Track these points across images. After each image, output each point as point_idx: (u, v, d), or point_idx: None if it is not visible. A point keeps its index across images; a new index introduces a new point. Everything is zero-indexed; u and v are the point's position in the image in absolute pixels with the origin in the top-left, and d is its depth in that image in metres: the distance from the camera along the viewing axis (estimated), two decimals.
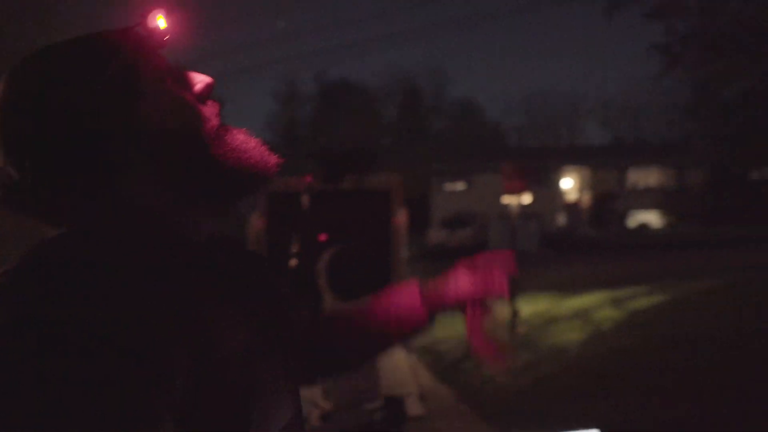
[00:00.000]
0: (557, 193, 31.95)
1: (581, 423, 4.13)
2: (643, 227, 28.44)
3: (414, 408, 4.83)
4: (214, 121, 0.70)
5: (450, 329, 8.35)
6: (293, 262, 4.14)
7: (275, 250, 6.48)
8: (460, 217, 24.29)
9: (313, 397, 3.61)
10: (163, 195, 0.67)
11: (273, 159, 0.74)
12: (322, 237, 3.61)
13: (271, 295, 0.80)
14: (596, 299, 8.21)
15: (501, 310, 7.85)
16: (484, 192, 28.82)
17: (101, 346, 0.51)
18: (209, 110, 0.71)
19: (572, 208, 32.05)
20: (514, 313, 7.27)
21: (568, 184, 32.65)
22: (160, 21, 0.71)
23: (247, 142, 0.72)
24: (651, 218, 30.24)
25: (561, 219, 31.52)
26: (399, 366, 5.96)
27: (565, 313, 7.62)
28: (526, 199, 7.21)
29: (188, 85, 0.71)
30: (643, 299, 7.44)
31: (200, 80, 0.72)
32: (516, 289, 7.45)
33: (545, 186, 31.34)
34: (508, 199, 7.27)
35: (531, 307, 8.53)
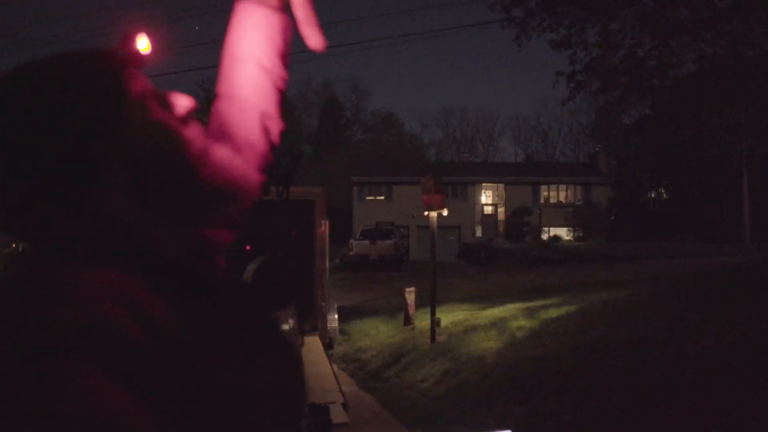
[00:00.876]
0: (475, 206, 33.03)
1: (497, 426, 4.33)
2: (554, 241, 29.91)
3: (338, 415, 4.86)
4: (197, 143, 0.70)
5: (371, 339, 8.45)
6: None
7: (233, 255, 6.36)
8: (380, 228, 24.47)
9: None
10: (143, 215, 0.65)
11: (256, 176, 0.74)
12: (247, 247, 3.59)
13: (241, 319, 0.76)
14: (511, 309, 8.58)
15: (419, 320, 8.03)
16: (405, 203, 29.31)
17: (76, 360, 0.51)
18: (192, 132, 0.70)
19: (489, 221, 33.23)
20: (434, 322, 7.46)
21: (484, 198, 33.84)
22: (143, 42, 0.72)
23: (230, 160, 0.72)
24: (561, 232, 31.88)
25: (478, 231, 32.58)
26: (322, 374, 5.97)
27: (482, 323, 7.90)
28: (444, 212, 7.40)
29: (170, 106, 0.71)
30: (554, 310, 7.84)
31: (182, 102, 0.72)
32: (436, 298, 7.65)
33: (463, 199, 32.31)
34: (428, 213, 7.45)
35: (449, 316, 8.78)
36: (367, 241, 22.60)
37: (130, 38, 0.71)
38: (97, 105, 0.63)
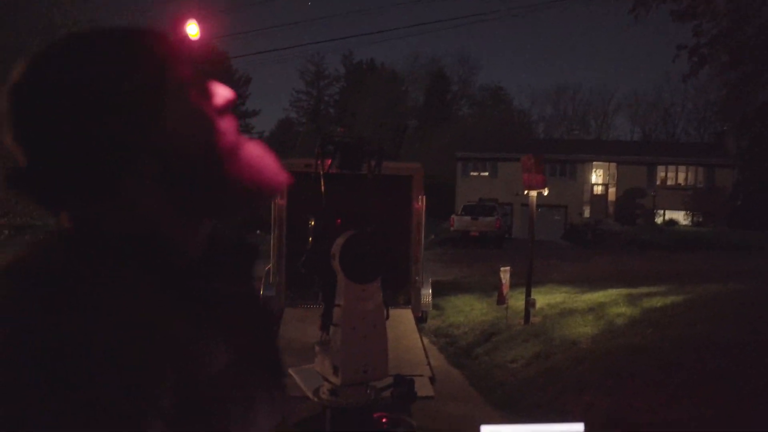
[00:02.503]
0: (583, 185, 31.59)
1: (585, 416, 4.21)
2: (670, 225, 27.98)
3: (424, 389, 4.94)
4: (231, 137, 0.68)
5: (464, 316, 8.45)
6: (309, 243, 4.26)
7: (295, 230, 6.62)
8: (483, 204, 24.09)
9: (324, 372, 3.73)
10: (166, 205, 0.65)
11: (283, 176, 0.72)
12: (338, 222, 3.69)
13: (252, 311, 0.78)
14: (613, 295, 8.21)
15: (515, 300, 7.90)
16: (510, 181, 28.62)
17: (87, 361, 0.50)
18: (227, 125, 0.69)
19: (598, 201, 31.68)
20: (529, 303, 7.32)
21: (594, 177, 32.24)
22: (192, 28, 0.71)
23: (260, 158, 0.70)
24: (678, 216, 29.76)
25: (586, 212, 31.19)
26: (412, 347, 6.07)
27: (580, 307, 7.64)
28: (545, 192, 7.15)
29: (210, 96, 0.69)
30: (658, 298, 7.41)
31: (222, 93, 0.70)
32: (532, 279, 7.49)
33: (571, 178, 30.99)
34: (527, 192, 7.24)
35: (547, 297, 8.57)
36: (468, 217, 22.39)
37: (180, 23, 0.69)
38: (138, 84, 0.61)
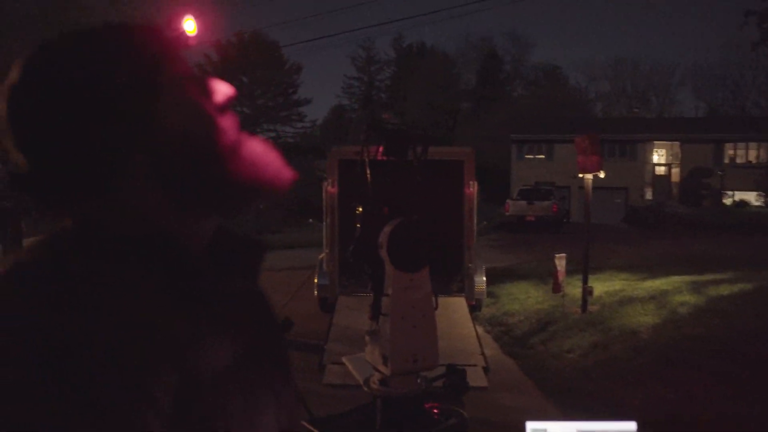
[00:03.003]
0: (645, 166, 30.40)
1: (644, 409, 4.05)
2: (740, 207, 26.56)
3: (477, 379, 4.88)
4: (231, 134, 0.67)
5: (519, 304, 8.30)
6: (357, 231, 4.25)
7: (348, 218, 6.64)
8: (539, 188, 23.55)
9: (374, 362, 3.73)
10: (164, 202, 0.65)
11: (288, 174, 0.70)
12: (386, 210, 3.65)
13: (258, 310, 0.77)
14: (676, 282, 7.87)
15: (571, 288, 7.68)
16: (567, 163, 27.88)
17: (89, 359, 0.51)
18: (228, 122, 0.68)
19: (661, 182, 30.45)
20: (586, 291, 7.11)
21: (656, 157, 30.95)
22: (189, 24, 0.69)
23: (263, 156, 0.69)
24: (749, 197, 28.20)
25: (648, 194, 30.04)
26: (465, 336, 6.00)
27: (640, 295, 7.36)
28: (601, 174, 6.88)
29: (210, 93, 0.68)
30: (726, 286, 7.05)
31: (222, 90, 0.69)
32: (588, 265, 7.26)
33: (632, 158, 29.89)
34: (582, 175, 7.00)
35: (605, 285, 8.30)
36: (524, 202, 21.96)
37: (176, 18, 0.68)
38: (130, 80, 0.61)
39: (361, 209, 4.54)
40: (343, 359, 5.07)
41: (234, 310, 0.69)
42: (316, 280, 7.64)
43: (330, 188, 7.23)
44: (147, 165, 0.63)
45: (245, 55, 28.63)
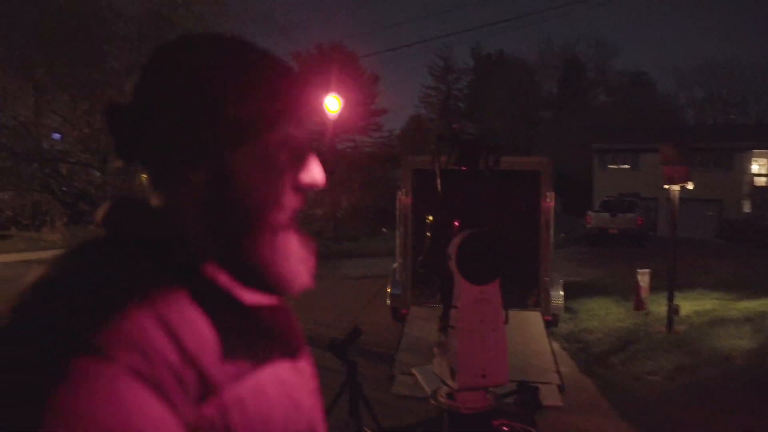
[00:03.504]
0: (742, 177, 28.39)
1: None
2: None
3: (551, 397, 4.69)
4: (283, 217, 0.68)
5: (599, 320, 7.93)
6: (426, 241, 4.21)
7: (420, 228, 6.60)
8: (623, 199, 22.52)
9: (442, 374, 3.66)
10: (199, 219, 0.67)
11: (305, 281, 0.70)
12: (455, 223, 3.59)
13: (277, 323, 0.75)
14: None
15: (655, 305, 7.26)
16: (654, 173, 26.54)
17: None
18: (291, 203, 0.69)
19: (761, 194, 28.31)
20: (672, 309, 6.69)
21: (756, 167, 28.82)
22: (330, 102, 0.69)
23: (294, 255, 0.69)
24: None
25: (746, 207, 28.01)
26: (540, 352, 5.79)
27: (734, 316, 6.84)
28: (689, 185, 6.46)
29: (299, 167, 0.70)
30: None
31: (313, 174, 0.70)
32: (675, 281, 6.83)
33: (727, 168, 28.02)
34: (668, 185, 6.60)
35: (694, 304, 7.79)
36: (606, 214, 21.07)
37: (319, 89, 0.70)
38: (244, 109, 0.65)
39: (431, 219, 4.50)
40: (413, 370, 5.05)
41: (257, 323, 0.69)
42: (389, 290, 7.64)
43: (403, 198, 7.22)
44: (203, 184, 0.66)
45: (325, 66, 29.39)
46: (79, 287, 0.57)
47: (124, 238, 0.66)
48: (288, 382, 0.70)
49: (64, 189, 15.36)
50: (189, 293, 0.62)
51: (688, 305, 7.44)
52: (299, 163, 0.69)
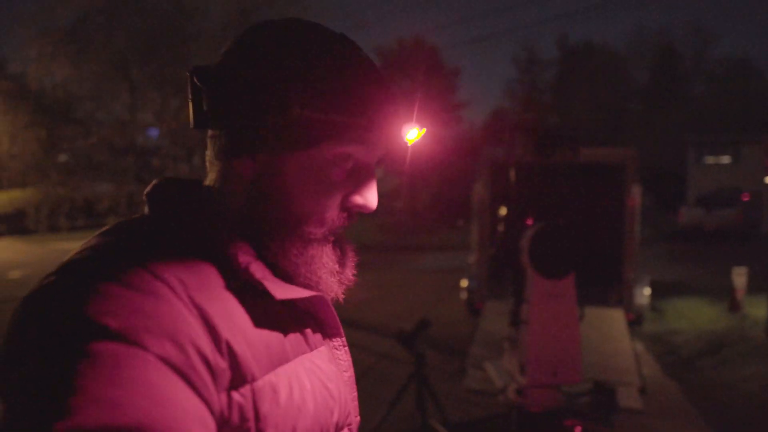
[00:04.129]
0: None
1: None
2: None
3: (630, 400, 4.47)
4: (320, 232, 0.68)
5: (688, 321, 7.46)
6: (499, 235, 4.11)
7: (496, 220, 6.49)
8: (721, 194, 21.04)
9: (511, 371, 3.58)
10: (239, 215, 0.68)
11: (333, 291, 0.70)
12: (530, 215, 3.50)
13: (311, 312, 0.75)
14: None
15: (753, 307, 6.73)
16: (756, 167, 24.63)
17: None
18: (334, 220, 0.69)
19: None
20: None
21: None
22: (412, 133, 0.71)
23: (324, 267, 0.69)
24: None
25: None
26: (620, 351, 5.54)
27: None
28: None
29: (354, 188, 0.69)
30: None
31: (366, 199, 0.69)
32: None
33: None
34: None
35: None
36: (702, 209, 19.78)
37: (410, 121, 0.71)
38: (325, 116, 0.64)
39: (504, 212, 4.40)
40: (485, 364, 4.98)
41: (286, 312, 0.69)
42: (464, 284, 7.56)
43: (480, 191, 7.11)
44: (252, 177, 0.67)
45: (406, 60, 29.38)
46: (110, 270, 0.56)
47: (164, 217, 0.67)
48: (323, 371, 0.69)
49: None
50: (224, 281, 0.62)
51: None
52: (355, 183, 0.68)
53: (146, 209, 0.69)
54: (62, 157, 15.71)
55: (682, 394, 5.14)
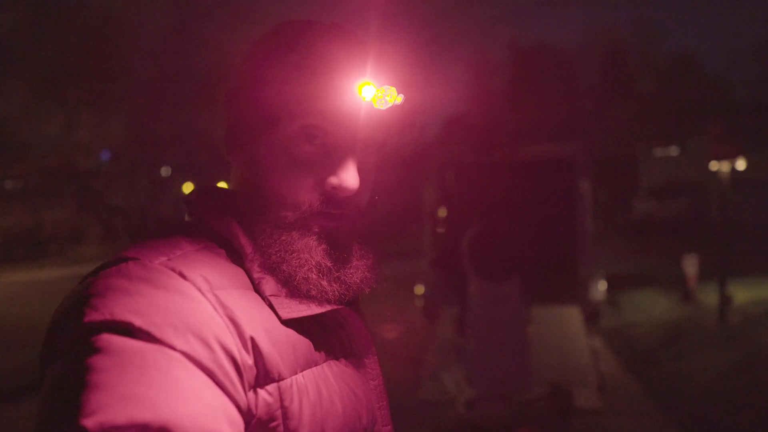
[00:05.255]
0: None
1: None
2: None
3: (588, 399, 4.34)
4: (293, 216, 0.68)
5: (644, 314, 7.44)
6: (439, 238, 3.94)
7: (436, 223, 6.33)
8: (671, 186, 21.63)
9: (458, 381, 3.37)
10: (239, 213, 0.70)
11: (323, 294, 0.68)
12: (472, 216, 3.31)
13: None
14: None
15: (706, 296, 6.73)
16: (705, 157, 25.33)
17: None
18: (308, 202, 0.68)
19: None
20: (725, 300, 6.17)
21: None
22: (368, 92, 0.66)
23: (308, 263, 0.67)
24: None
25: None
26: (575, 350, 5.42)
27: None
28: (740, 165, 5.99)
29: (328, 167, 0.68)
30: None
31: (342, 177, 0.68)
32: (727, 269, 6.31)
33: None
34: (717, 165, 6.12)
35: (749, 293, 7.20)
36: (654, 201, 20.25)
37: (358, 81, 0.67)
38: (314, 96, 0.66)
39: (444, 213, 4.20)
40: (441, 374, 4.77)
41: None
42: (417, 290, 7.37)
43: (427, 193, 6.96)
44: (241, 169, 0.72)
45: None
46: (138, 270, 0.58)
47: (196, 222, 0.69)
48: (352, 378, 0.70)
49: (99, 205, 15.79)
50: (251, 283, 0.65)
51: (742, 294, 6.87)
52: (329, 164, 0.68)
53: (186, 216, 0.72)
54: None
55: (642, 389, 5.05)
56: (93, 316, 0.53)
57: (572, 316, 6.16)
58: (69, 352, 0.53)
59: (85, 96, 13.74)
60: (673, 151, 28.95)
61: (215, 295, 0.59)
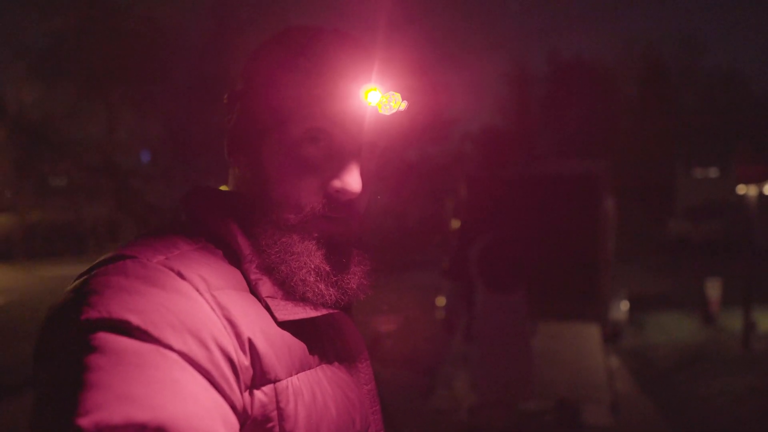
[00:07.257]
0: None
1: None
2: None
3: (599, 416, 4.34)
4: (296, 218, 0.68)
5: (666, 335, 7.33)
6: (451, 249, 4.01)
7: (451, 235, 6.38)
8: (708, 207, 21.05)
9: (461, 389, 3.45)
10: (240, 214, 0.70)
11: (321, 297, 0.68)
12: (487, 228, 3.39)
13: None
14: None
15: (730, 321, 6.61)
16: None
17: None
18: (311, 205, 0.68)
19: None
20: (749, 325, 6.07)
21: None
22: (374, 97, 0.67)
23: (307, 265, 0.68)
24: None
25: None
26: (591, 367, 5.41)
27: None
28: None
29: (332, 171, 0.69)
30: None
31: (346, 180, 0.68)
32: (752, 294, 6.20)
33: None
34: (744, 189, 6.04)
35: None
36: (689, 221, 19.77)
37: (364, 85, 0.69)
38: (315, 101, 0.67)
39: (458, 225, 4.31)
40: (455, 383, 4.84)
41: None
42: (440, 302, 7.44)
43: (454, 206, 7.03)
44: (243, 171, 0.71)
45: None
46: (135, 269, 0.58)
47: (194, 223, 0.69)
48: (345, 382, 0.70)
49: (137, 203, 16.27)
50: (248, 285, 0.65)
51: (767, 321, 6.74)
52: (333, 167, 0.68)
53: (182, 216, 0.72)
54: (38, 179, 15.54)
55: (655, 410, 5.00)
56: (90, 314, 0.53)
57: (590, 333, 6.14)
58: (65, 349, 0.52)
59: (126, 98, 14.31)
60: (713, 172, 28.19)
61: (213, 296, 0.59)
